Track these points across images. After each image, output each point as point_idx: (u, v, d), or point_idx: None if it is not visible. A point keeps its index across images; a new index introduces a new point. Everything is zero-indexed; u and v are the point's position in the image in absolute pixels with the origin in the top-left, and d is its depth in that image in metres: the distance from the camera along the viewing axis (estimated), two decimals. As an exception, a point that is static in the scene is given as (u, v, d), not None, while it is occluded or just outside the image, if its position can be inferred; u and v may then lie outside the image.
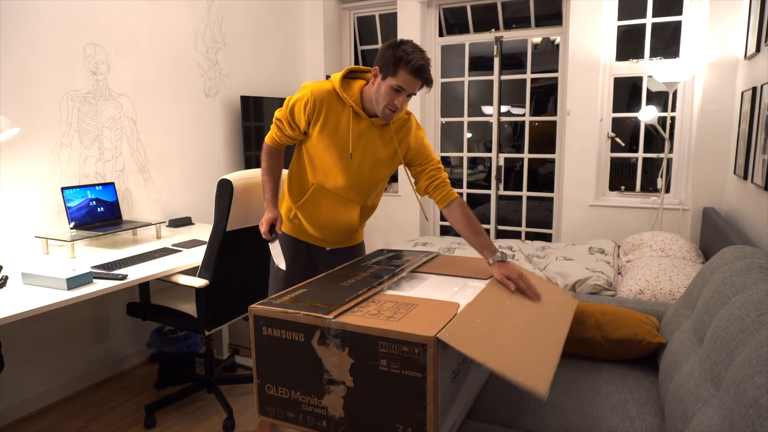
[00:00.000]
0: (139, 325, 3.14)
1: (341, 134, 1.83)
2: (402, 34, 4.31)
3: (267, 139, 1.97)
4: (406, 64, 1.67)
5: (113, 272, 2.19)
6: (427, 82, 1.72)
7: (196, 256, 2.49)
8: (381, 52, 1.75)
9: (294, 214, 1.99)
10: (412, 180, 2.01)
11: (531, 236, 4.34)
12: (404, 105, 1.77)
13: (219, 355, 3.10)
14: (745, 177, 2.71)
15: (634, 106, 3.95)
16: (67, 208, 2.62)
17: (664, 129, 3.56)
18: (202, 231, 3.09)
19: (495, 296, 1.61)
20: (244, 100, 3.72)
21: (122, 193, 3.00)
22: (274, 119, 1.94)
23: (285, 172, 2.08)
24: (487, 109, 4.95)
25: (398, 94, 1.72)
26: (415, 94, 1.77)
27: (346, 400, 1.34)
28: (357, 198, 1.94)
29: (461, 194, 4.55)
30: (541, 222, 4.43)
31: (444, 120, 4.50)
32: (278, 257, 1.86)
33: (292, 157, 2.01)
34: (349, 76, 1.87)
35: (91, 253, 2.55)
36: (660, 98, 4.06)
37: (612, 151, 3.86)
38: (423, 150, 1.96)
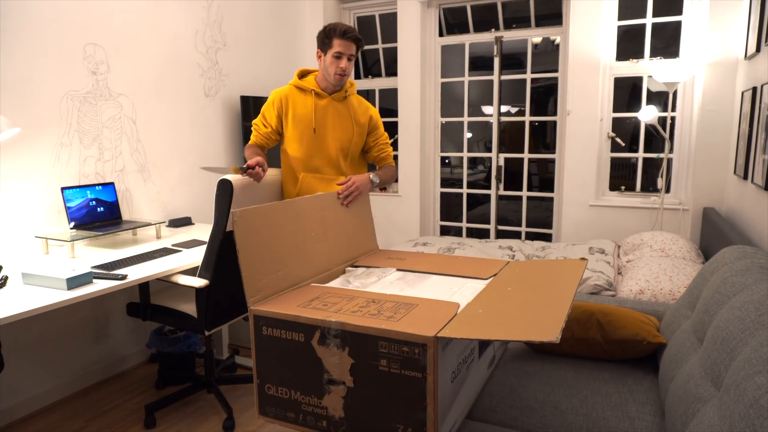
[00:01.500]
0: (139, 325, 3.14)
1: (308, 116, 2.24)
2: (402, 34, 4.31)
3: (249, 142, 2.41)
4: (334, 32, 2.11)
5: (113, 272, 2.19)
6: (357, 40, 2.15)
7: (196, 256, 2.49)
8: (317, 39, 2.20)
9: None
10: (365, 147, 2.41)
11: (531, 236, 4.34)
12: (350, 68, 2.18)
13: (219, 355, 3.10)
14: (745, 177, 2.71)
15: (634, 106, 3.95)
16: (67, 208, 2.62)
17: (664, 129, 3.56)
18: (202, 231, 3.09)
19: (496, 289, 1.61)
20: (244, 100, 3.72)
21: (122, 193, 3.00)
22: (252, 126, 2.37)
23: (276, 170, 2.35)
24: (487, 109, 4.95)
25: (340, 60, 2.14)
26: (354, 56, 2.18)
27: (346, 400, 1.34)
28: (338, 171, 2.27)
29: (461, 194, 4.56)
30: (541, 222, 4.44)
31: (444, 120, 4.50)
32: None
33: (281, 170, 2.36)
34: (304, 76, 2.31)
35: (91, 253, 2.55)
36: (660, 98, 4.06)
37: (612, 151, 3.86)
38: (379, 127, 2.39)
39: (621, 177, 4.18)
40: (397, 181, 4.52)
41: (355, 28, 2.16)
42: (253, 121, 2.36)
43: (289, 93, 2.26)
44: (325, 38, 2.14)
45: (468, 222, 4.62)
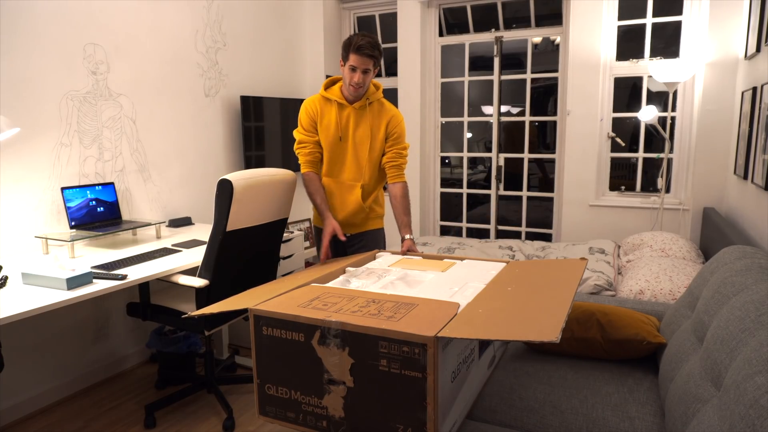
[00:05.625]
0: (139, 325, 3.14)
1: (333, 125, 2.32)
2: (402, 34, 4.31)
3: (301, 168, 2.39)
4: (351, 46, 2.16)
5: (113, 272, 2.19)
6: (370, 56, 2.16)
7: (196, 256, 2.49)
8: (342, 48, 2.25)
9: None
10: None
11: (531, 236, 4.34)
12: (364, 80, 2.21)
13: (219, 355, 3.10)
14: (745, 177, 2.71)
15: (634, 106, 3.95)
16: (67, 208, 2.62)
17: (664, 129, 3.56)
18: (202, 231, 3.09)
19: (496, 289, 1.61)
20: (244, 100, 3.72)
21: (122, 193, 3.00)
22: (295, 147, 2.38)
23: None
24: (487, 109, 4.94)
25: (354, 73, 2.19)
26: (370, 70, 2.20)
27: (346, 400, 1.34)
28: (356, 178, 2.36)
29: (461, 194, 4.56)
30: (541, 222, 4.44)
31: (444, 120, 4.50)
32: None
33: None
34: (331, 85, 2.37)
35: (91, 253, 2.55)
36: (660, 98, 4.05)
37: (612, 151, 3.86)
38: (397, 131, 2.38)
39: (621, 177, 4.18)
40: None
41: (376, 41, 2.18)
42: (296, 142, 2.38)
43: (317, 101, 2.34)
44: (344, 50, 2.20)
45: (468, 222, 4.62)
